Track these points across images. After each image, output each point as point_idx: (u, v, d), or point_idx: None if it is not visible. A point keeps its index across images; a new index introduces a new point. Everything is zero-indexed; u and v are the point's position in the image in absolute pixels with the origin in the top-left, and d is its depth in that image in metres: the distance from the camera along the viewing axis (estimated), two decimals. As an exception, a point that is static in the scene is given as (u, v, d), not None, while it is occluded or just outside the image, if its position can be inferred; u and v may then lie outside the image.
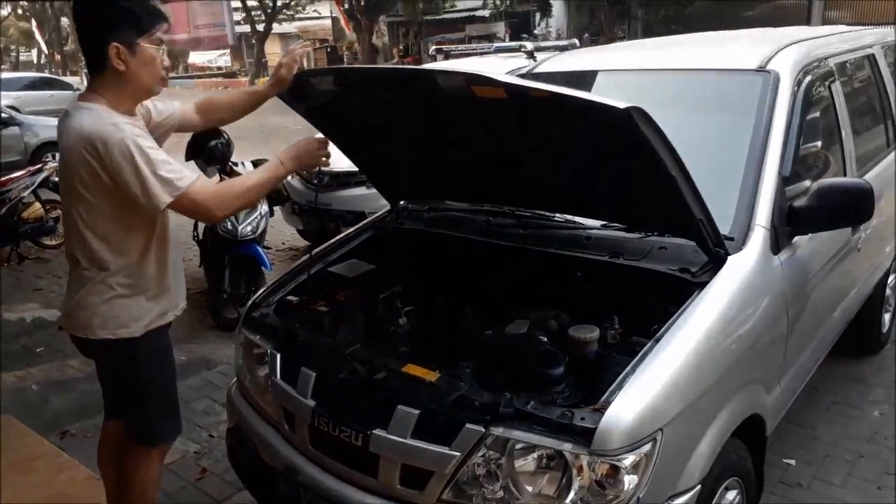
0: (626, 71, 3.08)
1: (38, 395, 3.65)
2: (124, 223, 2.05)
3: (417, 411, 1.84)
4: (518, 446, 1.72)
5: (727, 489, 2.06)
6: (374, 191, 5.41)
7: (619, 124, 1.69)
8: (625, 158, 1.91)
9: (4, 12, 42.06)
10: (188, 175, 1.99)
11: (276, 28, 33.80)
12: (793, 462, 2.97)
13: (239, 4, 32.14)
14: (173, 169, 1.95)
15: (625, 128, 1.69)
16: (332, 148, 5.66)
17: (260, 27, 32.48)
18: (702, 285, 2.03)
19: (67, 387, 3.71)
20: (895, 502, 2.73)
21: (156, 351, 2.20)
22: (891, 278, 3.88)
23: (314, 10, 35.23)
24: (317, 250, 2.82)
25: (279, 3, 32.21)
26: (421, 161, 2.63)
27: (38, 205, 6.59)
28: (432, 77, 1.96)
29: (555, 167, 2.22)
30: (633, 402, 1.70)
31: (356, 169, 5.70)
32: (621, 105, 1.64)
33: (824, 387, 3.52)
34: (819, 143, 2.89)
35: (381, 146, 2.65)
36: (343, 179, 5.71)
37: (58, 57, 42.60)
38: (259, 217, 4.65)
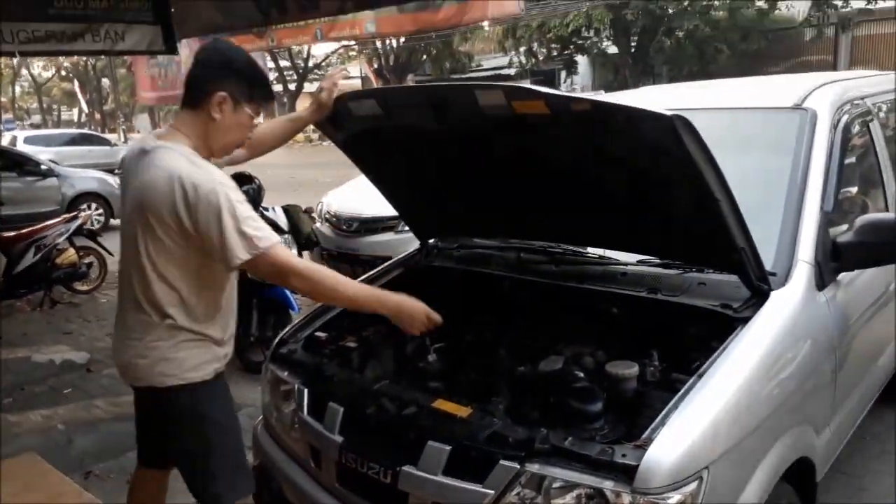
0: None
1: (63, 434, 3.62)
2: (200, 279, 1.96)
3: (449, 447, 1.77)
4: (555, 484, 1.64)
5: (778, 536, 1.94)
6: (401, 236, 5.49)
7: (663, 136, 1.65)
8: (666, 178, 1.87)
9: (48, 74, 43.95)
10: (272, 235, 1.91)
11: (308, 87, 34.75)
12: (841, 512, 2.81)
13: (272, 64, 33.20)
14: (259, 227, 1.88)
15: (668, 141, 1.66)
16: (362, 193, 5.68)
17: (292, 86, 33.45)
18: (745, 321, 1.96)
19: (93, 427, 3.69)
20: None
21: (222, 395, 2.08)
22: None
23: (344, 69, 36.16)
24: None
25: (311, 64, 33.20)
26: (455, 193, 2.61)
27: (72, 251, 6.71)
28: (471, 92, 1.95)
29: (593, 191, 2.16)
30: (677, 438, 1.61)
31: (384, 214, 5.80)
32: (667, 112, 1.61)
33: (873, 436, 3.35)
34: (855, 189, 2.83)
35: (415, 178, 2.65)
36: (371, 225, 5.74)
37: (97, 116, 44.18)
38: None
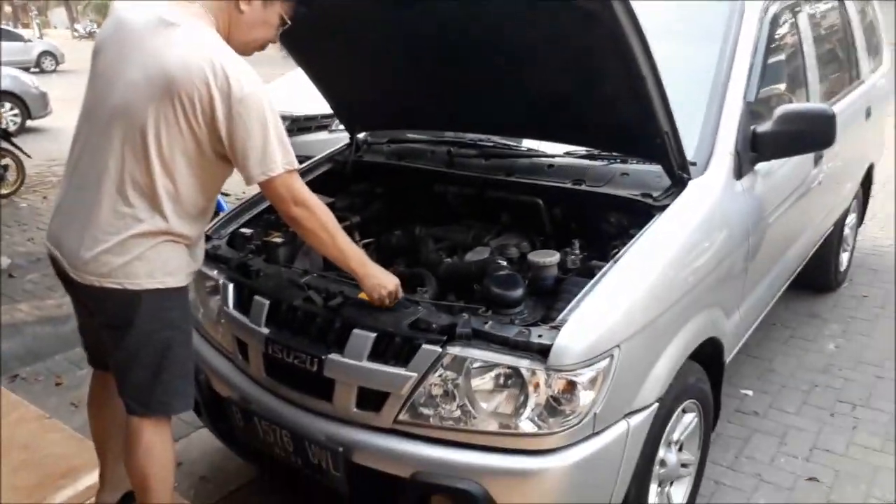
0: None
1: (-15, 339, 3.53)
2: (204, 177, 1.79)
3: (373, 334, 1.79)
4: (475, 365, 1.69)
5: (685, 411, 2.07)
6: (336, 136, 5.36)
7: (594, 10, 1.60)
8: (594, 53, 1.83)
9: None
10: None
11: None
12: (750, 392, 3.02)
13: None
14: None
15: (599, 15, 1.62)
16: (294, 91, 5.47)
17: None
18: (663, 209, 2.01)
19: (17, 331, 3.60)
20: (850, 430, 2.79)
21: (186, 302, 1.93)
22: (849, 218, 3.93)
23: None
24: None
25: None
26: (386, 82, 2.54)
27: (-12, 151, 6.33)
28: None
29: (522, 76, 2.12)
30: (589, 319, 1.67)
31: (317, 113, 5.62)
32: None
33: (782, 321, 3.58)
34: (783, 85, 2.87)
35: (347, 67, 2.55)
36: (303, 124, 5.59)
37: (8, 8, 40.76)
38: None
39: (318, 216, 1.82)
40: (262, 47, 1.91)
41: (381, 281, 1.85)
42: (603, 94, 1.98)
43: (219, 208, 4.42)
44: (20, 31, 24.47)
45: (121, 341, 1.86)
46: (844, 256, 4.05)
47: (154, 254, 1.78)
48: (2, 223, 5.82)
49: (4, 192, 6.51)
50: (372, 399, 1.79)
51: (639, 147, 2.12)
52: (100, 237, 1.76)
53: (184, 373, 1.94)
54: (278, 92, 6.23)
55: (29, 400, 3.00)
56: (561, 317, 1.68)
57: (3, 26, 23.20)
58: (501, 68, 2.12)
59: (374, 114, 2.80)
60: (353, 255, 1.87)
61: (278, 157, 1.72)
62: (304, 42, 2.41)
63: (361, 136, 2.91)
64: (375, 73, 2.52)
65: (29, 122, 10.06)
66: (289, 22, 1.87)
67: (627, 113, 1.95)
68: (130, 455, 1.94)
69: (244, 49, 1.84)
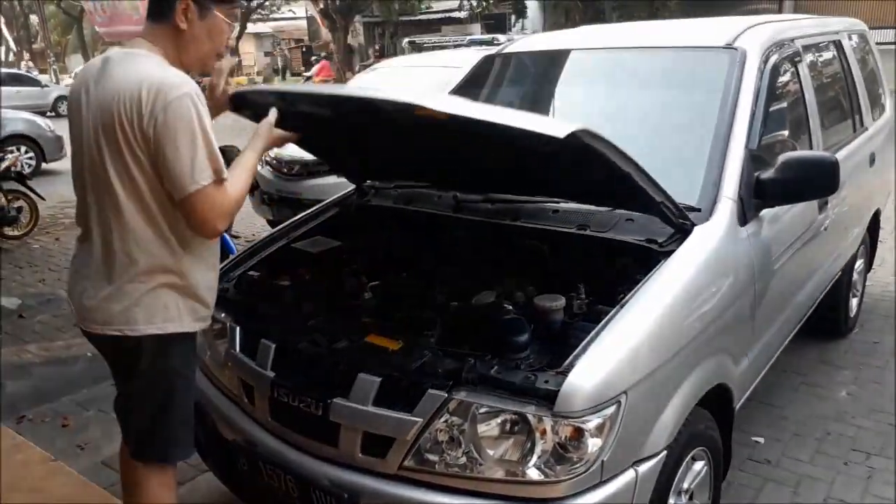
0: (597, 49, 3.07)
1: (-7, 380, 3.54)
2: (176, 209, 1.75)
3: (379, 378, 1.79)
4: (481, 411, 1.69)
5: (694, 459, 2.04)
6: (344, 180, 5.42)
7: (571, 150, 1.62)
8: (577, 165, 1.87)
9: (-29, 9, 41.23)
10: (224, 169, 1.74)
11: (251, 28, 33.55)
12: (761, 440, 2.98)
13: (213, 3, 31.81)
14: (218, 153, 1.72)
15: (575, 152, 1.66)
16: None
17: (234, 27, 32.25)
18: (668, 254, 2.02)
19: (25, 372, 3.61)
20: (865, 480, 2.74)
21: (193, 350, 1.92)
22: (857, 263, 3.92)
23: (289, 10, 35.01)
24: (280, 227, 2.76)
25: (254, 3, 31.96)
26: (381, 153, 2.59)
27: (-1, 194, 6.43)
28: (371, 102, 1.86)
29: (511, 170, 2.21)
30: (596, 364, 1.67)
31: (327, 157, 5.68)
32: (561, 134, 1.50)
33: (793, 368, 3.54)
34: (786, 133, 2.90)
35: (337, 143, 2.61)
36: (313, 168, 5.63)
37: (26, 55, 41.84)
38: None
39: (234, 204, 1.77)
40: (219, 55, 1.92)
41: (267, 134, 1.95)
42: (592, 181, 2.04)
43: (228, 251, 4.47)
44: (38, 76, 25.05)
45: (123, 387, 1.88)
46: (854, 302, 4.02)
47: (151, 299, 1.78)
48: (13, 263, 5.88)
49: (17, 233, 6.60)
50: (377, 444, 1.78)
51: (636, 206, 2.15)
52: (97, 284, 1.78)
53: (184, 420, 1.93)
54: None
55: (35, 442, 2.99)
56: (567, 362, 1.68)
57: (22, 72, 23.78)
58: (490, 161, 2.18)
59: (376, 171, 2.86)
60: (250, 161, 1.89)
61: (208, 166, 1.67)
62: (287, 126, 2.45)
63: (368, 182, 2.95)
64: (368, 148, 2.57)
65: (43, 165, 10.24)
66: (234, 25, 1.91)
67: (621, 192, 2.01)
68: (133, 499, 1.94)
69: (200, 63, 1.86)
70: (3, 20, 39.85)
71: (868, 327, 4.13)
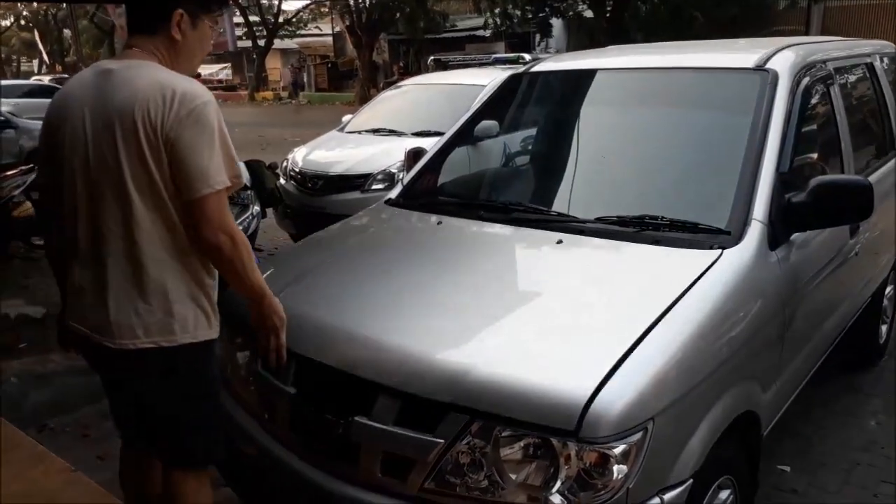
0: (626, 70, 3.06)
1: (17, 388, 3.57)
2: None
3: (401, 397, 1.77)
4: (504, 434, 1.66)
5: (720, 488, 1.99)
6: (368, 195, 5.45)
7: None
8: None
9: (7, 23, 42.27)
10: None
11: (278, 43, 34.01)
12: (788, 469, 2.91)
13: (241, 20, 32.34)
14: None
15: None
16: (328, 150, 5.63)
17: (261, 42, 32.67)
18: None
19: (48, 381, 3.64)
20: (892, 512, 2.66)
21: (214, 351, 1.92)
22: (888, 289, 3.84)
23: (316, 27, 35.43)
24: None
25: (281, 19, 32.44)
26: None
27: (28, 204, 6.51)
28: None
29: None
30: (623, 389, 1.63)
31: (351, 173, 5.74)
32: None
33: (820, 396, 3.46)
34: (817, 156, 2.87)
35: None
36: (337, 183, 5.68)
37: (59, 67, 42.78)
38: (251, 217, 4.60)
39: (239, 246, 1.75)
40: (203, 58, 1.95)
41: (278, 309, 1.88)
42: None
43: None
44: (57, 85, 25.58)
45: (149, 400, 1.87)
46: (884, 329, 3.93)
47: (182, 308, 1.78)
48: (41, 273, 5.96)
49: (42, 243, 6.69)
50: (398, 465, 1.76)
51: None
52: (119, 300, 1.75)
53: (221, 420, 2.01)
54: (313, 149, 6.40)
55: (56, 452, 3.00)
56: (595, 387, 1.64)
57: (51, 84, 24.28)
58: None
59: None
60: (263, 292, 1.86)
61: (223, 171, 1.69)
62: None
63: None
64: None
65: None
66: (217, 27, 1.92)
67: None
68: None
69: (191, 70, 1.87)
70: (37, 34, 40.84)
71: (898, 355, 4.04)
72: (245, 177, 4.61)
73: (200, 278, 1.82)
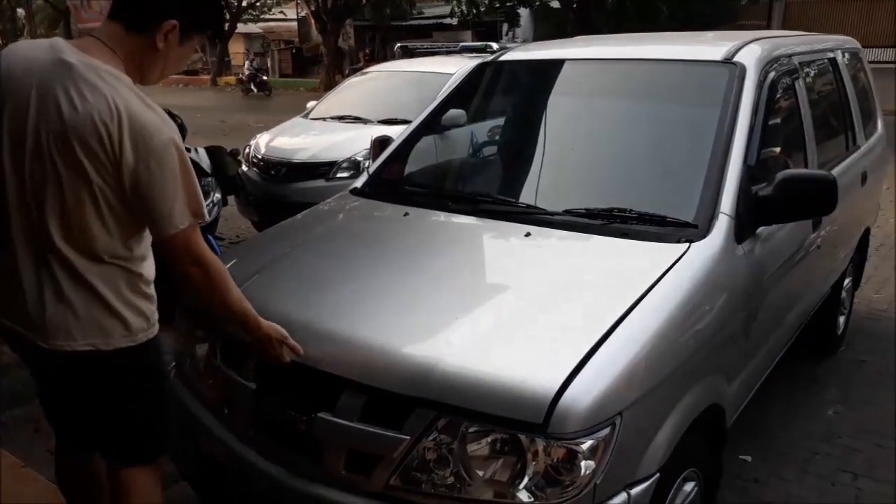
0: (594, 60, 3.04)
1: (-35, 382, 3.43)
2: (113, 224, 1.67)
3: (366, 393, 1.73)
4: (471, 429, 1.63)
5: (685, 480, 1.99)
6: (333, 183, 5.37)
7: None
8: None
9: (-43, 0, 40.69)
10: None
11: (241, 28, 33.36)
12: (749, 458, 2.94)
13: (203, 2, 31.58)
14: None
15: None
16: (292, 137, 5.55)
17: (224, 26, 32.06)
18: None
19: (1, 374, 3.50)
20: (852, 501, 2.71)
21: (161, 345, 1.88)
22: (846, 281, 3.92)
23: (280, 12, 34.82)
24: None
25: (244, 3, 31.80)
26: None
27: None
28: None
29: None
30: (591, 384, 1.62)
31: (315, 160, 5.64)
32: None
33: (780, 387, 3.51)
34: (779, 149, 2.89)
35: None
36: (301, 171, 5.59)
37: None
38: (212, 205, 4.48)
39: (212, 275, 1.72)
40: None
41: (274, 335, 1.82)
42: None
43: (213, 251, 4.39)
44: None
45: (103, 401, 1.81)
46: (841, 320, 4.01)
47: (119, 306, 1.70)
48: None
49: None
50: (363, 461, 1.72)
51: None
52: (49, 300, 1.66)
53: (170, 414, 1.97)
54: (276, 136, 6.28)
55: (7, 447, 2.89)
56: (561, 382, 1.62)
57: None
58: None
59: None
60: (248, 315, 1.80)
61: (187, 211, 1.64)
62: None
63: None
64: None
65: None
66: (200, 52, 1.83)
67: None
68: None
69: (157, 80, 1.78)
70: (-12, 13, 39.41)
71: (855, 346, 4.12)
72: (206, 163, 4.50)
73: (139, 279, 1.75)
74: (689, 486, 2.03)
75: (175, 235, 1.65)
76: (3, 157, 1.64)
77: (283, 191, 5.55)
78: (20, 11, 38.25)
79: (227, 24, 31.49)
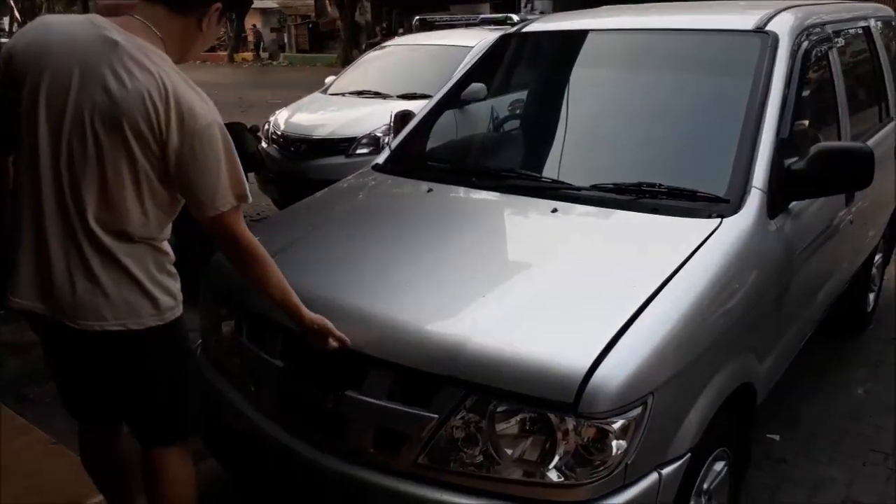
0: (621, 31, 2.96)
1: (-6, 358, 3.48)
2: (171, 196, 1.70)
3: (394, 370, 1.72)
4: (500, 409, 1.61)
5: (715, 459, 1.97)
6: (353, 160, 5.34)
7: None
8: None
9: (-24, -23, 40.79)
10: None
11: (258, 3, 33.18)
12: (777, 438, 2.91)
13: (219, -23, 31.42)
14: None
15: None
16: (311, 113, 5.49)
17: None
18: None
19: (25, 350, 3.54)
20: (884, 481, 2.67)
21: (183, 328, 1.86)
22: (877, 257, 3.83)
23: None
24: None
25: (261, -23, 31.62)
26: None
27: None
28: None
29: None
30: (622, 363, 1.59)
31: (335, 136, 5.61)
32: None
33: (809, 365, 3.45)
34: (815, 121, 2.80)
35: None
36: (320, 147, 5.56)
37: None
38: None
39: (251, 262, 1.74)
40: None
41: (318, 327, 1.78)
42: None
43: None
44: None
45: (132, 381, 1.81)
46: (871, 297, 3.94)
47: (150, 286, 1.70)
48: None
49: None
50: (390, 439, 1.71)
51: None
52: (77, 279, 1.64)
53: (196, 391, 1.97)
54: (296, 111, 6.24)
55: (35, 423, 2.93)
56: (592, 360, 1.59)
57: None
58: None
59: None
60: (287, 304, 1.79)
61: (230, 193, 1.65)
62: None
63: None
64: None
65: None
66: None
67: None
68: (160, 485, 1.90)
69: (190, 58, 1.79)
70: (7, -10, 39.52)
71: (884, 323, 4.05)
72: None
73: (165, 257, 1.75)
74: (718, 466, 2.00)
75: (216, 217, 1.65)
76: (39, 132, 1.60)
77: (302, 167, 5.53)
78: (38, -11, 38.34)
79: None
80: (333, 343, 1.80)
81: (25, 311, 1.72)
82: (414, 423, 1.66)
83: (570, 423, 1.55)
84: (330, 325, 1.79)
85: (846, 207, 2.84)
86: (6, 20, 43.42)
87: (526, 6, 24.48)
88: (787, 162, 2.26)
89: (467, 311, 1.82)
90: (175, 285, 1.78)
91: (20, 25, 41.35)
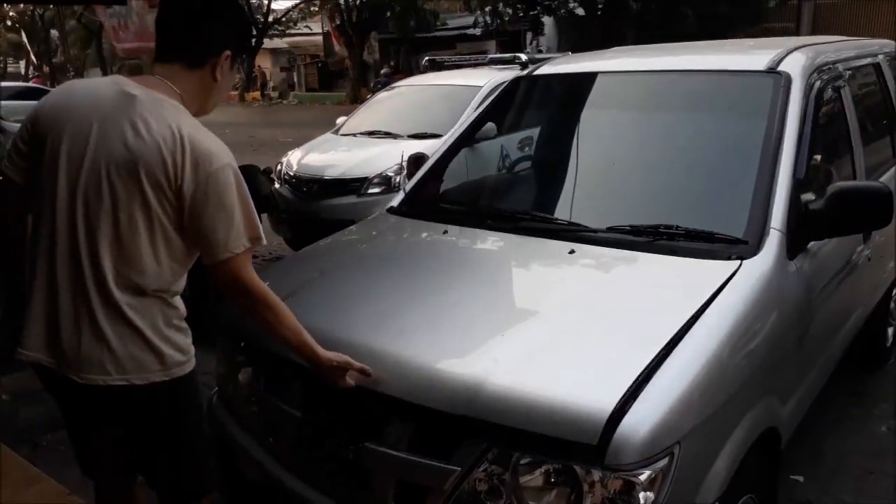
0: (633, 73, 2.99)
1: (8, 405, 3.47)
2: (185, 249, 1.71)
3: (414, 423, 1.70)
4: (523, 461, 1.58)
5: (742, 506, 1.92)
6: (364, 200, 5.37)
7: None
8: None
9: (-7, 24, 41.80)
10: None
11: (267, 43, 33.80)
12: (801, 479, 2.85)
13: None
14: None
15: None
16: (323, 154, 5.51)
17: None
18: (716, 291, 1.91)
19: (39, 397, 3.52)
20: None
21: (194, 384, 1.83)
22: (895, 291, 3.79)
23: (305, 27, 35.21)
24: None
25: (270, 19, 32.24)
26: None
27: None
28: None
29: None
30: (648, 412, 1.56)
31: (347, 176, 5.65)
32: None
33: (828, 401, 3.40)
34: (829, 160, 2.80)
35: None
36: (332, 187, 5.59)
37: (46, 69, 42.39)
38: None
39: (261, 308, 1.73)
40: None
41: (337, 364, 1.77)
42: None
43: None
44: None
45: (142, 436, 1.79)
46: (890, 331, 3.89)
47: (158, 341, 1.68)
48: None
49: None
50: (412, 493, 1.68)
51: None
52: (86, 334, 1.64)
53: (209, 448, 1.94)
54: (308, 152, 6.30)
55: (48, 472, 2.90)
56: (616, 408, 1.57)
57: (41, 86, 24.06)
58: None
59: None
60: (302, 348, 1.78)
61: (244, 235, 1.65)
62: None
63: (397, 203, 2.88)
64: None
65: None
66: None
67: None
68: None
69: (210, 110, 1.81)
70: (24, 35, 40.43)
71: (904, 358, 3.99)
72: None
73: (175, 312, 1.74)
74: (745, 512, 1.96)
75: (227, 261, 1.64)
76: (59, 185, 1.63)
77: (314, 207, 5.56)
78: (53, 32, 39.19)
79: (254, 41, 32.02)
80: (350, 381, 1.78)
81: (34, 364, 1.72)
82: (436, 475, 1.63)
83: (597, 474, 1.52)
84: (348, 358, 1.78)
85: (864, 244, 2.82)
86: (22, 64, 44.31)
87: (531, 43, 24.83)
88: (804, 198, 2.25)
89: (486, 350, 1.80)
90: (185, 340, 1.76)
91: (35, 69, 42.22)
